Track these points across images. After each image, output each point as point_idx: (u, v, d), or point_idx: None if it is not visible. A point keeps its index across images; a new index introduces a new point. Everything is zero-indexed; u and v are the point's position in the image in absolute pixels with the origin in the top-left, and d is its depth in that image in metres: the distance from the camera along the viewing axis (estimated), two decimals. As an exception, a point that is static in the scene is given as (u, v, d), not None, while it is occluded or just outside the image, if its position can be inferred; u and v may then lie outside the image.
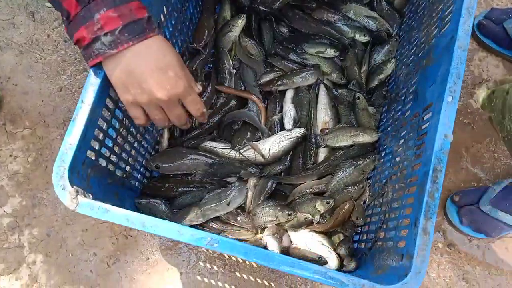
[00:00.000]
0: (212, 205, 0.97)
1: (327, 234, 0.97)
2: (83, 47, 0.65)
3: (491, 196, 1.07)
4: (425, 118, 0.76)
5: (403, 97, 0.93)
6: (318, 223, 0.95)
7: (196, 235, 0.63)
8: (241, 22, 1.13)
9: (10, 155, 1.16)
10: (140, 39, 0.65)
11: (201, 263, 1.09)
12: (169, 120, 0.76)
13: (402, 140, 0.86)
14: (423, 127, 0.75)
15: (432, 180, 0.66)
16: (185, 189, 1.02)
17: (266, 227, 0.96)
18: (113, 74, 0.67)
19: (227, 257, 1.09)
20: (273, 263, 0.62)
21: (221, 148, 1.05)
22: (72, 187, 0.63)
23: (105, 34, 0.63)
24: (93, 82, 0.68)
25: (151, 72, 0.67)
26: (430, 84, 0.77)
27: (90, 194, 0.66)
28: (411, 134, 0.81)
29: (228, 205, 0.98)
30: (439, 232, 1.13)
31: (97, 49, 0.64)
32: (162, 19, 0.92)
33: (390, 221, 0.79)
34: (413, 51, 0.97)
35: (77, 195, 0.63)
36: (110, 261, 1.10)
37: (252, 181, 1.01)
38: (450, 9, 0.78)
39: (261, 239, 0.92)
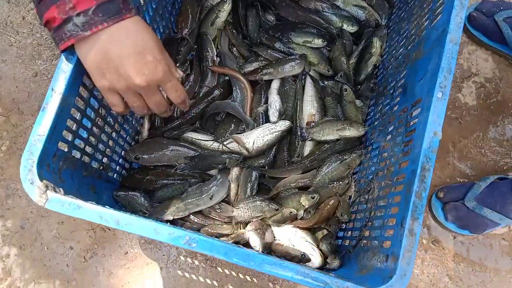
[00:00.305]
0: (194, 199, 0.95)
1: (311, 230, 0.95)
2: (53, 28, 0.60)
3: (476, 192, 1.06)
4: (413, 114, 0.74)
5: (391, 91, 0.91)
6: (302, 218, 0.93)
7: (174, 234, 0.59)
8: (227, 6, 1.08)
9: (-18, 144, 1.11)
10: (116, 20, 0.61)
11: (181, 258, 1.07)
12: (148, 108, 0.72)
13: (390, 136, 0.84)
14: (412, 123, 0.73)
15: (420, 179, 0.63)
16: (166, 181, 0.99)
17: (249, 222, 0.93)
18: (87, 58, 0.62)
19: (209, 251, 1.07)
20: (254, 263, 0.60)
21: (204, 139, 1.01)
22: (41, 181, 0.60)
23: (78, 14, 0.59)
24: (64, 69, 0.64)
25: (128, 56, 0.62)
26: (420, 78, 0.74)
27: (61, 189, 0.63)
28: (399, 130, 0.78)
29: (210, 199, 0.95)
30: (423, 228, 1.11)
31: (68, 31, 0.59)
32: (142, 2, 0.87)
33: (375, 219, 0.77)
34: (402, 43, 0.94)
35: (46, 190, 0.59)
36: (87, 255, 1.06)
37: (234, 173, 0.98)
38: (442, 0, 0.75)
39: (243, 234, 0.90)
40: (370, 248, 0.75)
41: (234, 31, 1.11)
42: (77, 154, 0.75)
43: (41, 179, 0.60)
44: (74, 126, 0.71)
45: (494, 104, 1.19)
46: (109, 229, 1.08)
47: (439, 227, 1.11)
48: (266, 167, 1.02)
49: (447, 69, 0.67)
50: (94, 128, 0.79)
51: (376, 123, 0.97)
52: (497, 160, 1.16)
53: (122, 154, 0.98)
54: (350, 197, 0.96)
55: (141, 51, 0.63)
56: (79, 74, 0.67)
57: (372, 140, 0.95)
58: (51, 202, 0.59)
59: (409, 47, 0.87)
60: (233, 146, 1.00)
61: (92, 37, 0.61)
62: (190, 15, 1.09)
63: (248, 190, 0.96)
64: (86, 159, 0.79)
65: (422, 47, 0.79)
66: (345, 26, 1.08)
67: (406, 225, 0.62)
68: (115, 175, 0.96)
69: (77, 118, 0.72)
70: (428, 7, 0.82)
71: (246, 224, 0.95)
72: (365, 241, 0.79)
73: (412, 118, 0.74)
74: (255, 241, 0.87)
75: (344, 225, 0.96)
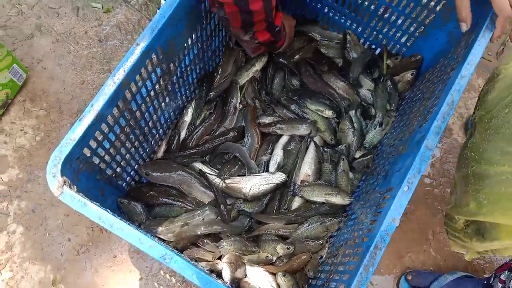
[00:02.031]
0: (184, 222, 1.06)
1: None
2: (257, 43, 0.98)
3: (442, 283, 1.13)
4: (385, 199, 0.84)
5: (378, 174, 1.01)
6: (273, 263, 1.03)
7: (154, 247, 0.70)
8: (264, 58, 1.23)
9: (21, 130, 1.26)
10: None
11: (161, 273, 1.17)
12: None
13: (365, 212, 0.93)
14: (381, 206, 0.83)
15: (371, 255, 0.73)
16: (166, 200, 1.10)
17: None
18: None
19: (187, 273, 1.16)
20: (212, 290, 0.70)
21: (209, 172, 1.13)
22: (62, 176, 0.72)
23: None
24: (105, 92, 0.78)
25: None
26: (397, 170, 0.85)
27: (75, 186, 0.75)
28: (372, 208, 0.88)
29: (201, 221, 1.07)
30: (387, 304, 1.18)
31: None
32: (185, 46, 1.02)
33: (332, 281, 0.86)
34: (399, 134, 1.05)
35: (63, 185, 0.72)
36: (81, 250, 1.18)
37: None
38: (432, 109, 0.86)
39: (217, 264, 1.00)
40: (321, 306, 0.84)
41: (258, 87, 1.25)
42: (96, 160, 0.88)
43: (62, 174, 0.73)
44: (100, 137, 0.85)
45: (480, 207, 1.27)
46: (106, 231, 1.20)
47: (403, 307, 1.18)
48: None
49: (417, 169, 0.78)
50: (117, 142, 0.93)
51: (360, 197, 1.07)
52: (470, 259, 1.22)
53: (135, 167, 1.11)
54: (321, 257, 1.05)
55: None
56: (116, 98, 0.81)
57: (353, 212, 1.05)
58: (65, 195, 0.72)
59: (400, 140, 0.99)
60: (232, 185, 1.11)
61: None
62: (231, 63, 1.24)
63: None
64: (103, 165, 0.92)
65: (407, 144, 0.90)
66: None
67: (350, 291, 0.71)
68: (124, 184, 1.09)
69: (105, 131, 0.85)
70: (422, 112, 0.93)
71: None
72: (320, 299, 0.88)
73: (383, 202, 0.84)
74: (226, 273, 0.97)
75: (309, 281, 1.04)
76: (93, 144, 0.82)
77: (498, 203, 0.80)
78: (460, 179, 0.90)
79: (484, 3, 0.87)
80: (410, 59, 1.20)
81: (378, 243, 0.74)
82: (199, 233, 1.05)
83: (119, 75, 0.79)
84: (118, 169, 1.02)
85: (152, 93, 0.98)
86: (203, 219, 1.08)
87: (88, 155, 0.83)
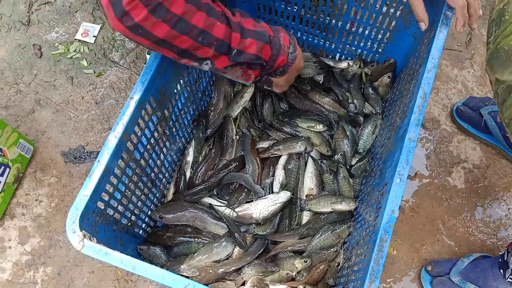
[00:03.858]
0: (204, 256, 1.11)
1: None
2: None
3: (461, 268, 1.16)
4: (383, 195, 0.89)
5: (375, 174, 1.07)
6: (294, 279, 1.07)
7: (176, 279, 0.76)
8: (251, 89, 1.31)
9: (36, 199, 1.33)
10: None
11: (191, 310, 1.20)
12: None
13: (369, 211, 0.98)
14: (380, 202, 0.88)
15: (378, 248, 0.78)
16: (183, 239, 1.16)
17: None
18: None
19: (215, 306, 1.20)
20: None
21: (218, 205, 1.19)
22: (81, 231, 0.78)
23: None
24: (109, 147, 0.85)
25: None
26: (389, 166, 0.91)
27: (95, 238, 0.81)
28: (374, 207, 0.93)
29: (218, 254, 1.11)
30: (413, 299, 1.21)
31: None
32: (176, 94, 1.10)
33: (350, 282, 0.90)
34: (387, 134, 1.11)
35: (84, 238, 0.78)
36: (111, 302, 1.23)
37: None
38: (409, 104, 0.93)
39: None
40: (344, 307, 0.87)
41: (250, 116, 1.33)
42: (111, 212, 0.94)
43: (81, 229, 0.79)
44: (111, 189, 0.91)
45: (481, 188, 1.32)
46: (131, 281, 1.24)
47: (428, 300, 1.20)
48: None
49: (405, 160, 0.84)
50: (127, 191, 0.99)
51: (364, 199, 1.12)
52: (483, 239, 1.26)
53: (149, 213, 1.17)
54: (338, 264, 1.09)
55: None
56: (120, 151, 0.88)
57: (359, 214, 1.09)
58: (86, 247, 0.78)
59: (388, 139, 1.05)
60: (242, 212, 1.17)
61: None
62: (222, 99, 1.32)
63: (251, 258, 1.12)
64: (117, 216, 0.98)
65: (393, 140, 0.96)
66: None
67: (365, 286, 0.76)
68: (141, 231, 1.14)
69: (114, 183, 0.92)
70: (401, 109, 1.00)
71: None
72: (342, 302, 0.92)
73: (381, 198, 0.89)
74: (251, 297, 1.01)
75: (332, 288, 1.08)
76: (105, 196, 0.89)
77: None
78: None
79: (436, 2, 0.95)
80: (384, 64, 1.28)
81: (383, 236, 0.79)
82: (227, 270, 1.10)
83: (119, 128, 0.86)
84: (133, 218, 1.08)
85: (152, 140, 1.05)
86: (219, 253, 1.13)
87: (102, 207, 0.90)
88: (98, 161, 0.84)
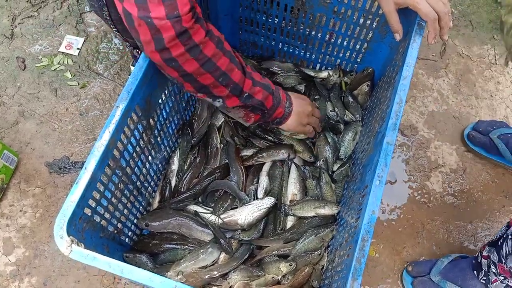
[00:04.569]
0: (190, 262, 1.12)
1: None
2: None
3: (440, 267, 1.20)
4: (363, 197, 0.92)
5: (356, 179, 1.10)
6: (279, 283, 1.09)
7: (164, 282, 0.77)
8: None
9: (20, 210, 1.33)
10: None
11: (178, 317, 1.21)
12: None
13: (351, 214, 1.02)
14: (362, 203, 0.91)
15: (360, 248, 0.81)
16: (169, 246, 1.17)
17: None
18: None
19: (202, 313, 1.21)
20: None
21: (203, 212, 1.21)
22: (69, 236, 0.79)
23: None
24: (95, 154, 0.87)
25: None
26: (369, 169, 0.94)
27: (82, 244, 0.82)
28: (355, 209, 0.97)
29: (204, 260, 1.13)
30: (396, 301, 1.24)
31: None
32: (161, 103, 1.12)
33: (334, 282, 0.93)
34: (367, 140, 1.15)
35: (71, 244, 0.79)
36: (97, 311, 1.22)
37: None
38: (387, 110, 0.97)
39: (228, 295, 1.06)
40: (328, 307, 0.90)
41: (234, 125, 1.35)
42: (97, 218, 0.95)
43: (68, 235, 0.80)
44: (98, 196, 0.92)
45: (458, 192, 1.37)
46: (118, 289, 1.25)
47: (410, 301, 1.24)
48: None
49: (384, 163, 0.87)
50: (113, 199, 1.01)
51: (346, 203, 1.15)
52: (462, 241, 1.30)
53: (135, 221, 1.18)
54: (323, 267, 1.12)
55: None
56: (106, 158, 0.90)
57: (341, 218, 1.13)
58: (74, 253, 0.79)
59: (368, 144, 1.09)
60: (228, 219, 1.19)
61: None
62: (206, 108, 1.34)
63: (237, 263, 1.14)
64: (104, 223, 0.99)
65: (372, 144, 1.00)
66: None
67: (347, 284, 0.78)
68: (127, 239, 1.15)
69: (101, 190, 0.93)
70: (380, 114, 1.04)
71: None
72: (327, 302, 0.94)
73: (362, 199, 0.92)
74: (237, 301, 1.02)
75: (316, 291, 1.10)
76: (92, 203, 0.90)
77: None
78: None
79: (410, 14, 1.00)
80: (363, 73, 1.32)
81: (364, 236, 0.82)
82: (213, 276, 1.12)
83: (106, 136, 0.88)
84: (119, 225, 1.08)
85: (137, 148, 1.07)
86: (213, 262, 1.14)
87: (89, 214, 0.91)
88: (85, 168, 0.85)
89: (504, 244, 1.00)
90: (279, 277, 1.10)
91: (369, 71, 1.32)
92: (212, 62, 0.86)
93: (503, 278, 1.03)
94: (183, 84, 0.90)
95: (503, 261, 1.00)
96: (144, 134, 1.08)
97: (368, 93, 1.33)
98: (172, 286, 0.77)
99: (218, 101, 0.97)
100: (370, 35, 1.22)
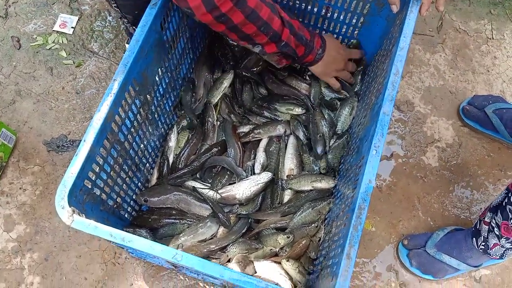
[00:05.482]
0: (189, 236, 1.14)
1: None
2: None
3: (435, 240, 1.22)
4: (360, 168, 0.93)
5: (352, 151, 1.11)
6: (276, 255, 1.11)
7: (165, 250, 0.78)
8: (230, 75, 1.34)
9: (20, 188, 1.34)
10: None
11: (178, 290, 1.23)
12: None
13: (347, 186, 1.03)
14: (358, 174, 0.93)
15: (357, 216, 0.82)
16: (168, 220, 1.18)
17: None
18: None
19: (202, 285, 1.23)
20: (226, 275, 0.77)
21: (201, 187, 1.22)
22: (70, 207, 0.80)
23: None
24: (94, 126, 0.87)
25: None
26: (365, 140, 0.95)
27: (83, 215, 0.83)
28: (352, 181, 0.98)
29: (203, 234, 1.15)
30: (392, 272, 1.26)
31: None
32: (157, 79, 1.12)
33: (331, 251, 0.95)
34: (363, 114, 1.16)
35: (73, 213, 0.80)
36: (98, 285, 1.24)
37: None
38: (384, 81, 0.98)
39: (226, 265, 1.07)
40: (325, 275, 0.92)
41: (230, 102, 1.36)
42: (97, 191, 0.96)
43: (70, 205, 0.81)
44: (97, 169, 0.93)
45: (454, 166, 1.38)
46: (119, 263, 1.26)
47: (406, 272, 1.26)
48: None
49: (380, 133, 0.88)
50: (112, 173, 1.01)
51: (343, 177, 1.16)
52: (457, 214, 1.32)
53: (133, 197, 1.19)
54: (320, 239, 1.13)
55: None
56: (105, 131, 0.90)
57: (338, 191, 1.14)
58: (76, 222, 0.80)
59: (364, 117, 1.09)
60: (226, 194, 1.20)
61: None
62: (202, 86, 1.34)
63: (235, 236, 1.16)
64: (103, 196, 1.00)
65: (369, 117, 1.00)
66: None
67: (345, 250, 0.80)
68: (126, 214, 1.16)
69: (100, 163, 0.94)
70: (377, 87, 1.05)
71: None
72: (325, 270, 0.96)
73: (359, 170, 0.93)
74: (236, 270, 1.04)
75: (314, 261, 1.12)
76: (92, 175, 0.91)
77: None
78: None
79: (406, -15, 1.00)
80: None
81: (361, 204, 0.83)
82: (211, 249, 1.13)
83: (104, 109, 0.88)
84: (118, 199, 1.10)
85: (135, 123, 1.07)
86: (212, 236, 1.16)
87: (89, 186, 0.92)
88: (84, 140, 0.86)
89: (508, 202, 1.00)
90: (277, 249, 1.12)
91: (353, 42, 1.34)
92: (256, 12, 0.92)
93: (505, 239, 1.03)
94: (228, 34, 0.97)
95: (509, 216, 0.99)
96: (141, 109, 1.08)
97: (360, 72, 1.33)
98: (173, 253, 0.78)
99: (257, 47, 1.04)
100: (367, 8, 1.21)
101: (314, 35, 1.13)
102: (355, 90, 1.32)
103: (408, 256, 1.24)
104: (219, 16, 0.89)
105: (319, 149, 1.23)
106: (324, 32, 1.36)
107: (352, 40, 1.34)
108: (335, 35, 1.36)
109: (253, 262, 1.11)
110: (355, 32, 1.32)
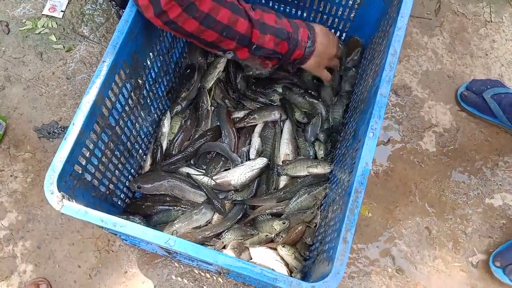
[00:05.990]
0: (184, 223, 1.12)
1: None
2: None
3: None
4: (357, 151, 0.91)
5: (348, 136, 1.09)
6: (272, 241, 1.09)
7: (157, 235, 0.76)
8: (223, 60, 1.31)
9: (11, 175, 1.31)
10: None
11: (173, 277, 1.22)
12: None
13: (344, 171, 1.01)
14: (355, 157, 0.91)
15: (353, 199, 0.80)
16: (162, 207, 1.16)
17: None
18: None
19: (197, 272, 1.22)
20: (220, 260, 0.76)
21: (195, 174, 1.20)
22: (60, 192, 0.78)
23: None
24: (83, 109, 0.85)
25: None
26: (362, 124, 0.93)
27: (73, 200, 0.81)
28: (348, 165, 0.96)
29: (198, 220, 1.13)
30: (389, 257, 1.25)
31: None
32: (149, 62, 1.09)
33: (327, 236, 0.93)
34: (359, 96, 1.14)
35: (62, 199, 0.78)
36: (92, 273, 1.22)
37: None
38: (381, 62, 0.95)
39: (222, 251, 1.06)
40: (321, 260, 0.90)
41: (225, 87, 1.33)
42: (88, 177, 0.94)
43: (59, 190, 0.79)
44: (87, 154, 0.91)
45: (452, 151, 1.36)
46: (113, 251, 1.24)
47: (403, 258, 1.25)
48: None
49: (377, 115, 0.86)
50: (103, 158, 0.99)
51: (339, 162, 1.14)
52: (454, 199, 1.31)
53: (126, 184, 1.17)
54: (316, 225, 1.12)
55: None
56: (94, 114, 0.88)
57: (335, 176, 1.12)
58: (66, 208, 0.78)
59: (360, 100, 1.07)
60: (220, 180, 1.18)
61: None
62: (195, 71, 1.31)
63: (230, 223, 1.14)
64: (95, 182, 0.98)
65: (366, 99, 0.98)
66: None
67: (341, 234, 0.78)
68: (119, 201, 1.14)
69: (90, 148, 0.92)
70: (374, 69, 1.02)
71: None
72: (321, 255, 0.94)
73: (356, 153, 0.91)
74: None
75: (310, 247, 1.11)
76: (82, 160, 0.88)
77: None
78: None
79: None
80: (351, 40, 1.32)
81: (357, 187, 0.81)
82: (206, 236, 1.12)
83: (93, 91, 0.86)
84: (111, 186, 1.07)
85: (126, 108, 1.04)
86: (207, 223, 1.14)
87: (80, 171, 0.89)
88: (73, 123, 0.83)
89: None
90: (273, 235, 1.11)
91: (355, 39, 1.31)
92: (211, 17, 0.85)
93: None
94: (191, 41, 0.92)
95: None
96: (132, 93, 1.05)
97: (359, 59, 1.31)
98: (166, 238, 0.77)
99: (229, 54, 0.97)
100: (363, -11, 1.19)
101: (298, 26, 1.02)
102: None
103: (506, 274, 1.20)
104: (169, 23, 0.83)
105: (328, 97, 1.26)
106: (320, 14, 1.33)
107: (351, 36, 1.32)
108: (330, 18, 1.33)
109: (248, 249, 1.10)
110: (352, 14, 1.29)
